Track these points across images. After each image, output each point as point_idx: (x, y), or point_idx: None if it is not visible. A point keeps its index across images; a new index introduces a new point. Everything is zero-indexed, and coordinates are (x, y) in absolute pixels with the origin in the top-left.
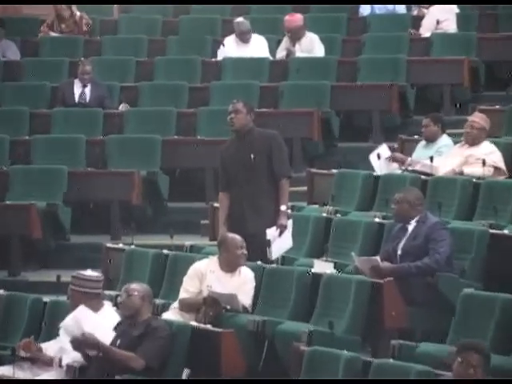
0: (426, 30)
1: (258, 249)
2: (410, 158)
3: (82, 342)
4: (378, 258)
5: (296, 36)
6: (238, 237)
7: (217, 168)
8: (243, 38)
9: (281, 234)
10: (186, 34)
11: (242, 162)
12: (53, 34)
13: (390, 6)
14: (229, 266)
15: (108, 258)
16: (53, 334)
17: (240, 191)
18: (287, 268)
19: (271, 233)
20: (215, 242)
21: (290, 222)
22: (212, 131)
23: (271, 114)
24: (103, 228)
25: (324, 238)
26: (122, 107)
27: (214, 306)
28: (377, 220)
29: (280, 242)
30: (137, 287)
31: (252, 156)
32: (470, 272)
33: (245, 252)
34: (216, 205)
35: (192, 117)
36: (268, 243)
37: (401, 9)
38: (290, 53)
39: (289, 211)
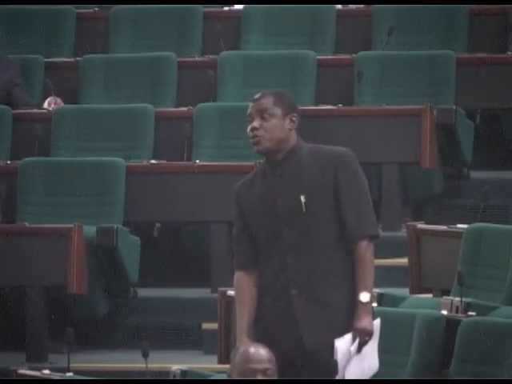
0: None
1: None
2: None
3: None
4: None
5: None
6: (260, 351)
7: (232, 223)
8: None
9: (361, 347)
10: None
11: (280, 211)
12: None
13: None
14: None
15: None
16: None
17: (281, 267)
18: None
19: (343, 347)
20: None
21: (377, 324)
22: (223, 151)
23: (340, 114)
24: (14, 339)
25: (443, 358)
26: (50, 103)
27: None
28: None
29: (359, 363)
30: None
31: (302, 198)
32: None
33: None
34: (232, 294)
35: (184, 121)
36: (337, 365)
37: None
38: None
39: (374, 304)
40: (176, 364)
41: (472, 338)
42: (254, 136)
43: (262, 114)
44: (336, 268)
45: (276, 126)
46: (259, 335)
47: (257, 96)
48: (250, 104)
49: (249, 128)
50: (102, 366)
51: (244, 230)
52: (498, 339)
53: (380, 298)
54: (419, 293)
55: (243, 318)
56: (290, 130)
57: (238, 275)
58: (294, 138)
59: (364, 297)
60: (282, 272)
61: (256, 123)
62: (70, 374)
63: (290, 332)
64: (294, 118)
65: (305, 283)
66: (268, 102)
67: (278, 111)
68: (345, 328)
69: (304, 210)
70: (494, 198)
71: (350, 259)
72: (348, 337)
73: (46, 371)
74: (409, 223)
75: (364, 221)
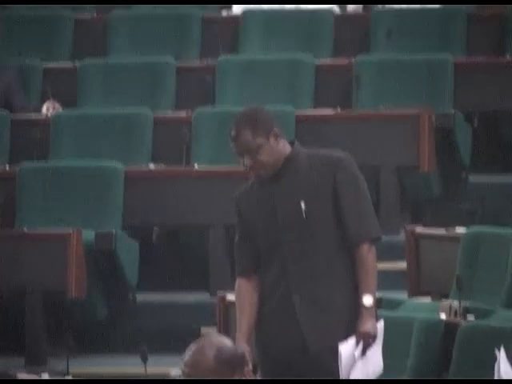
0: None
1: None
2: None
3: None
4: None
5: None
6: (191, 351)
7: (232, 227)
8: None
9: (365, 351)
10: None
11: (281, 218)
12: None
13: None
14: None
15: None
16: None
17: (282, 273)
18: None
19: (347, 351)
20: None
21: (380, 327)
22: (222, 155)
23: (338, 118)
24: (12, 345)
25: (442, 362)
26: (48, 108)
27: None
28: None
29: (363, 367)
30: None
31: (302, 204)
32: None
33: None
34: (231, 298)
35: (182, 126)
36: (342, 369)
37: None
38: None
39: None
40: (175, 368)
41: (471, 342)
42: (255, 171)
43: (249, 151)
44: (337, 272)
45: (267, 153)
46: (260, 341)
47: (233, 134)
48: (231, 143)
49: (243, 166)
50: (100, 370)
51: (245, 237)
52: (497, 343)
53: (378, 302)
54: (418, 296)
55: (242, 324)
56: (278, 144)
57: (239, 282)
58: (285, 146)
59: (367, 300)
60: (283, 278)
61: (248, 161)
62: (68, 378)
63: (292, 337)
64: (276, 133)
65: (306, 288)
66: (247, 138)
67: (260, 140)
68: (348, 331)
69: (304, 216)
70: (493, 201)
71: (351, 263)
72: (352, 341)
73: (45, 375)
74: (407, 226)
75: (365, 224)
